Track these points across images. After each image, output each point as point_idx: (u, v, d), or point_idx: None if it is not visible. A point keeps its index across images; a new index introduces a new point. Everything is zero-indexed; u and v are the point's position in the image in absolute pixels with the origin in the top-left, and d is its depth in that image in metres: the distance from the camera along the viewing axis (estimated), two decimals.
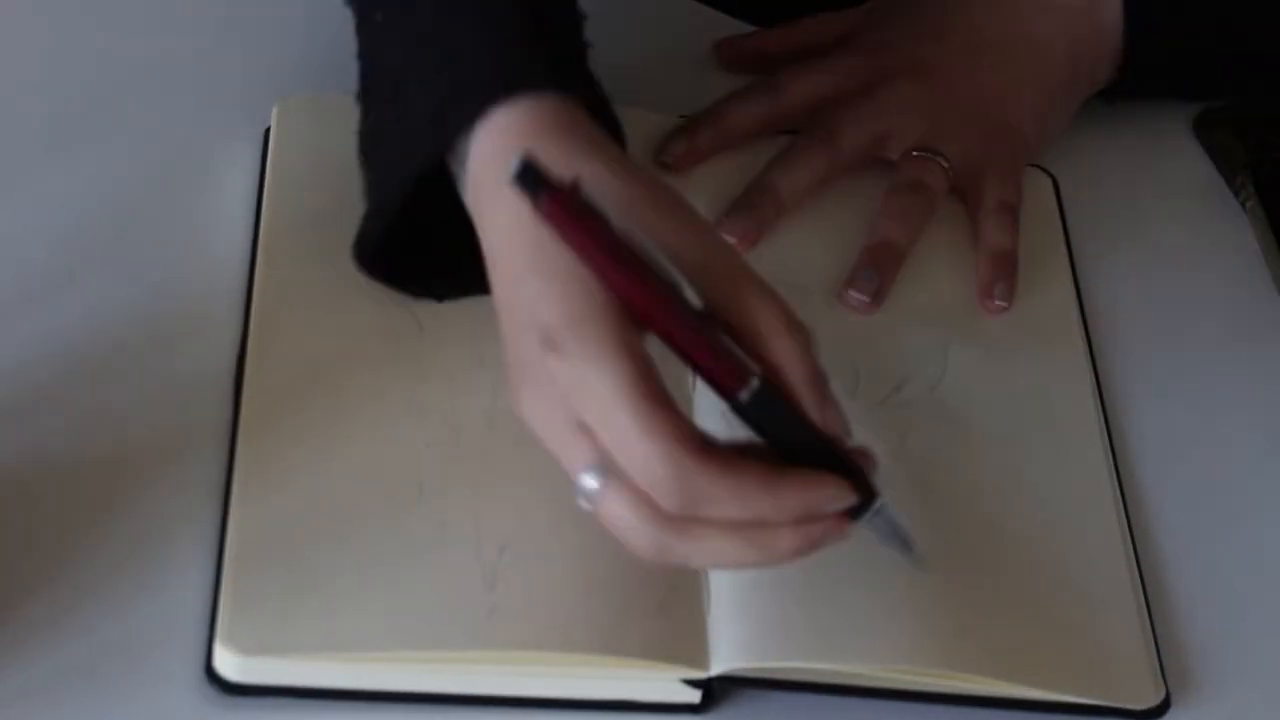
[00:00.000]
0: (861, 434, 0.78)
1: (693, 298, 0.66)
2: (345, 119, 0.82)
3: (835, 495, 0.66)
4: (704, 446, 0.64)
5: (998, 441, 0.82)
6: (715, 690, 0.72)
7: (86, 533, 0.73)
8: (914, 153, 0.90)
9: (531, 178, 0.62)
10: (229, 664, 0.70)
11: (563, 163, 0.66)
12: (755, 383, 0.65)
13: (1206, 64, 0.94)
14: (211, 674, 0.70)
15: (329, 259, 0.81)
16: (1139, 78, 0.93)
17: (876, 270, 0.86)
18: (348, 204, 0.80)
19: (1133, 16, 0.92)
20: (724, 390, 0.66)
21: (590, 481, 0.66)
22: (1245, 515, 0.83)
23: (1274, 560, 0.82)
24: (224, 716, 0.70)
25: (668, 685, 0.72)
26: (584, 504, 0.67)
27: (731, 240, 0.86)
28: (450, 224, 0.74)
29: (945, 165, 0.89)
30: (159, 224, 0.84)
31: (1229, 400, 0.87)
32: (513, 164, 0.61)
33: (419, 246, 0.78)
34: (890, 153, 0.90)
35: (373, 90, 0.78)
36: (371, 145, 0.77)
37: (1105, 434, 0.84)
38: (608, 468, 0.65)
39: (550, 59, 0.72)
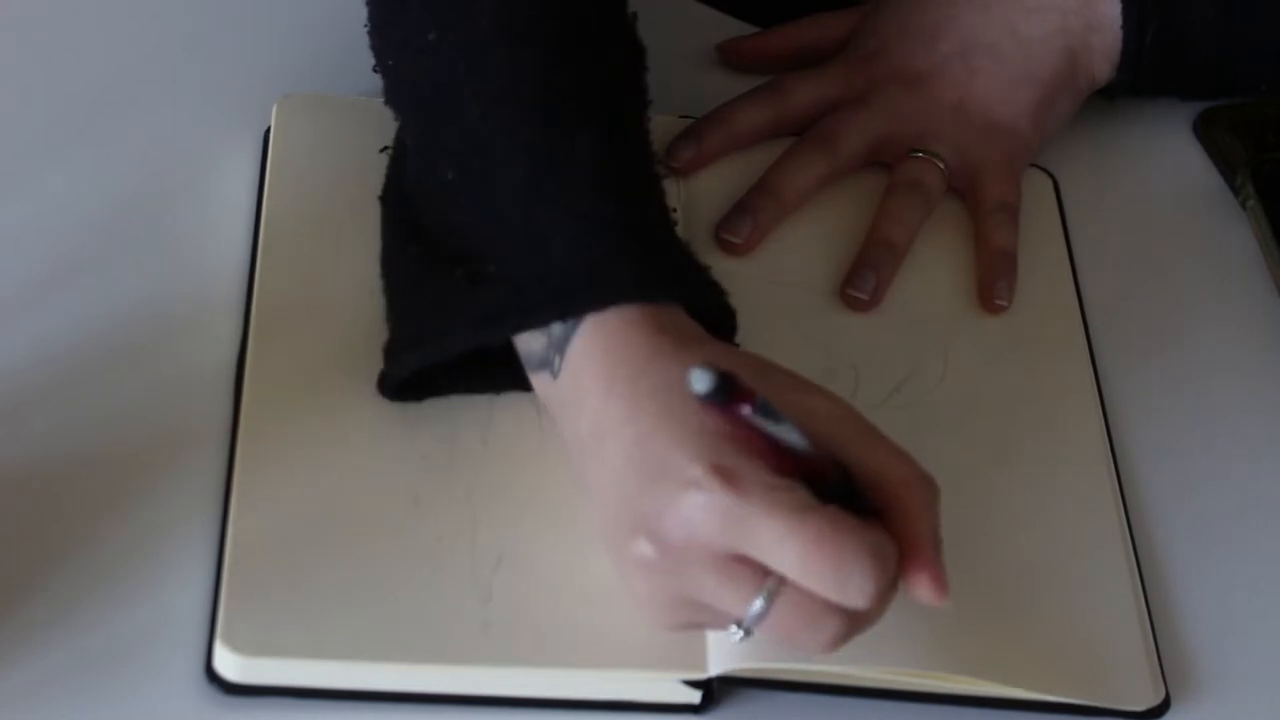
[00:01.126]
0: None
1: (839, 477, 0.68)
2: (345, 119, 0.83)
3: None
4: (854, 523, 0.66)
5: (997, 441, 0.82)
6: (715, 690, 0.72)
7: (86, 533, 0.73)
8: (911, 153, 0.90)
9: (723, 388, 0.62)
10: (229, 664, 0.70)
11: (676, 349, 0.69)
12: None
13: (1206, 63, 0.94)
14: (211, 674, 0.70)
15: (329, 259, 0.81)
16: (1138, 76, 0.93)
17: (874, 269, 0.86)
18: (348, 204, 0.80)
19: (1131, 14, 0.92)
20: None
21: (757, 607, 0.66)
22: (1245, 515, 0.83)
23: (1274, 560, 0.82)
24: (224, 716, 0.70)
25: (668, 686, 0.72)
26: (735, 634, 0.67)
27: (735, 241, 0.86)
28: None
29: (941, 165, 0.90)
30: (159, 224, 0.84)
31: (1229, 400, 0.87)
32: (704, 378, 0.61)
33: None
34: (888, 157, 0.91)
35: (424, 235, 0.76)
36: (414, 292, 0.76)
37: (1105, 434, 0.84)
38: (774, 590, 0.66)
39: (641, 260, 0.73)
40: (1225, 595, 0.80)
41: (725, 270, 0.83)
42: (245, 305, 0.80)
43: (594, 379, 0.70)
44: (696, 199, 0.88)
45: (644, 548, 0.67)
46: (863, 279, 0.86)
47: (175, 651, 0.71)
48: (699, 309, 0.74)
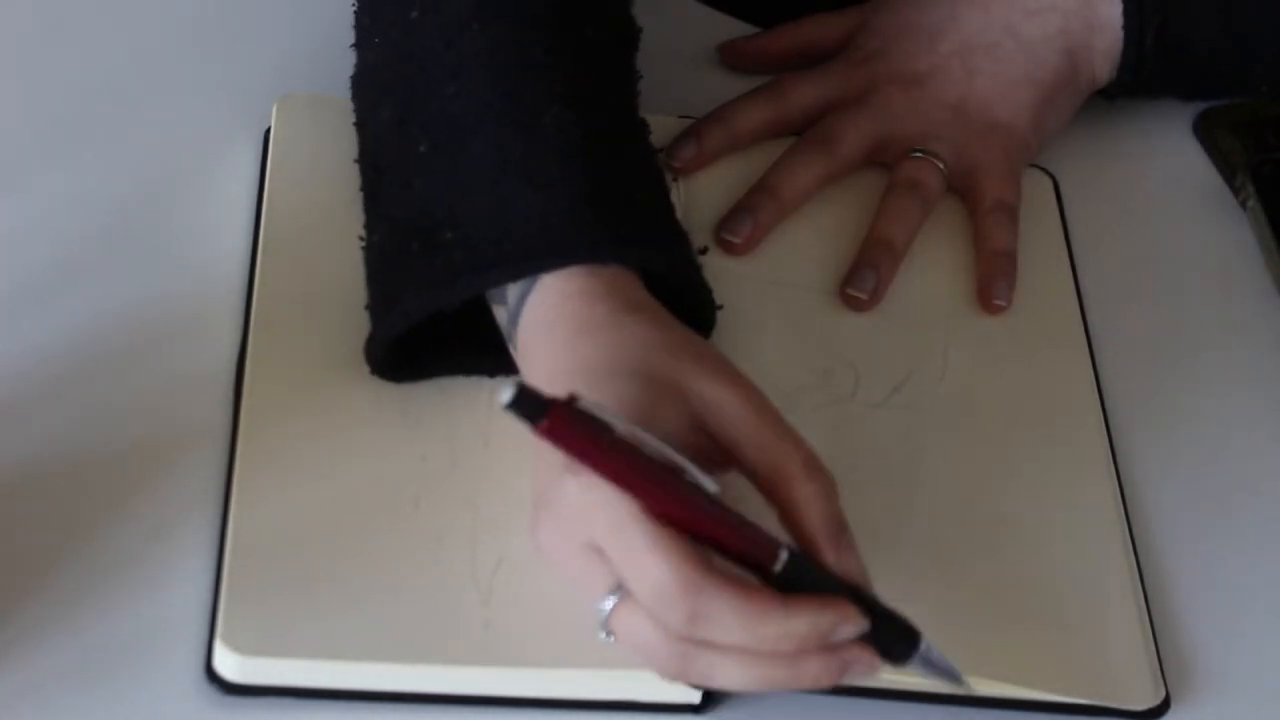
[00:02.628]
0: (862, 434, 0.78)
1: (705, 481, 0.67)
2: (345, 119, 0.82)
3: (844, 618, 0.66)
4: (711, 566, 0.65)
5: (997, 441, 0.82)
6: (715, 690, 0.72)
7: (86, 533, 0.73)
8: (911, 154, 0.90)
9: (528, 402, 0.63)
10: (229, 664, 0.70)
11: (609, 321, 0.70)
12: (785, 554, 0.66)
13: (1207, 64, 0.94)
14: (211, 674, 0.70)
15: (329, 259, 0.81)
16: (1139, 76, 0.94)
17: (874, 269, 0.86)
18: (348, 204, 0.80)
19: (1132, 14, 0.92)
20: (756, 566, 0.66)
21: (606, 604, 0.67)
22: (1245, 515, 0.83)
23: (1274, 560, 0.82)
24: (224, 716, 0.70)
25: (668, 686, 0.72)
26: (602, 635, 0.67)
27: (735, 241, 0.86)
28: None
29: (941, 165, 0.90)
30: (159, 224, 0.84)
31: (1229, 400, 0.87)
32: (506, 393, 0.62)
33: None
34: (888, 157, 0.91)
35: (393, 204, 0.77)
36: (387, 264, 0.77)
37: (1105, 434, 0.84)
38: (621, 590, 0.66)
39: (594, 226, 0.73)
40: (1225, 595, 0.80)
41: (725, 270, 0.84)
42: (245, 305, 0.80)
43: (538, 352, 0.72)
44: (696, 199, 0.88)
45: (536, 525, 0.69)
46: (862, 279, 0.86)
47: (175, 651, 0.71)
48: (675, 284, 0.75)
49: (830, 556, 0.67)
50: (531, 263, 0.72)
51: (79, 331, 0.79)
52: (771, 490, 0.69)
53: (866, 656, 0.67)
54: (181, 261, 0.83)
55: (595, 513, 0.66)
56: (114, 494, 0.75)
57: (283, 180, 0.84)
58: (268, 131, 0.87)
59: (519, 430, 0.76)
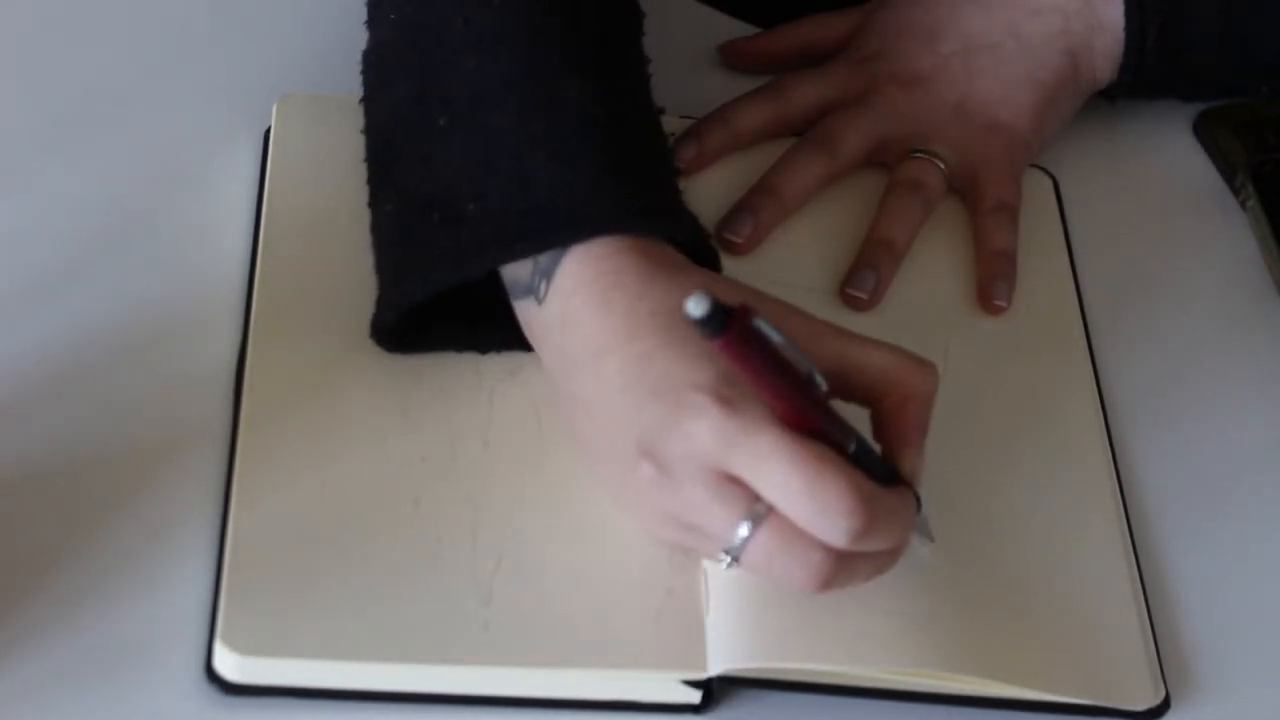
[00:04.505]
0: (862, 434, 0.78)
1: (820, 380, 0.69)
2: (345, 119, 0.83)
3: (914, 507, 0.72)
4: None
5: (997, 441, 0.82)
6: (715, 690, 0.72)
7: (86, 533, 0.73)
8: (911, 154, 0.90)
9: (717, 315, 0.63)
10: (229, 664, 0.70)
11: (667, 271, 0.72)
12: (854, 441, 0.69)
13: (1208, 65, 0.94)
14: (211, 674, 0.70)
15: (329, 259, 0.81)
16: (1140, 77, 0.94)
17: (874, 269, 0.86)
18: (348, 204, 0.80)
19: (1133, 15, 0.92)
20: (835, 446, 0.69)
21: (743, 530, 0.68)
22: (1245, 515, 0.83)
23: (1274, 560, 0.82)
24: (224, 716, 0.70)
25: (668, 685, 0.72)
26: (723, 560, 0.69)
27: (735, 240, 0.87)
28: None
29: (942, 166, 0.90)
30: (159, 224, 0.84)
31: (1229, 400, 0.87)
32: (698, 305, 0.62)
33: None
34: (888, 157, 0.91)
35: (409, 177, 0.78)
36: (404, 233, 0.77)
37: (1105, 434, 0.84)
38: (760, 515, 0.68)
39: (621, 197, 0.75)
40: (1225, 595, 0.80)
41: (725, 270, 0.84)
42: (245, 305, 0.80)
43: (587, 300, 0.72)
44: (697, 199, 0.88)
45: (643, 460, 0.69)
46: (862, 278, 0.86)
47: (175, 651, 0.71)
48: (684, 248, 0.76)
49: (914, 455, 0.71)
50: (562, 233, 0.73)
51: (79, 331, 0.79)
52: (884, 382, 0.72)
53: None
54: (181, 261, 0.83)
55: (743, 438, 0.67)
56: (114, 494, 0.75)
57: (283, 180, 0.84)
58: (268, 131, 0.87)
59: (519, 431, 0.77)
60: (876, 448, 0.73)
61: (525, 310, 0.76)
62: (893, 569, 0.71)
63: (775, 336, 0.66)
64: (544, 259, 0.73)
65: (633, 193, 0.75)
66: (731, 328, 0.63)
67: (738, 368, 0.66)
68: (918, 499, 0.72)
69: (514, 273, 0.75)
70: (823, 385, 0.69)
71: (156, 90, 0.90)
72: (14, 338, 0.78)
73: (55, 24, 0.92)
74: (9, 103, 0.88)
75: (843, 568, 0.69)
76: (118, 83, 0.89)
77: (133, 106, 0.89)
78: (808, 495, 0.66)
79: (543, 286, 0.74)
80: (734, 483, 0.68)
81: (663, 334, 0.70)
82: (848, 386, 0.73)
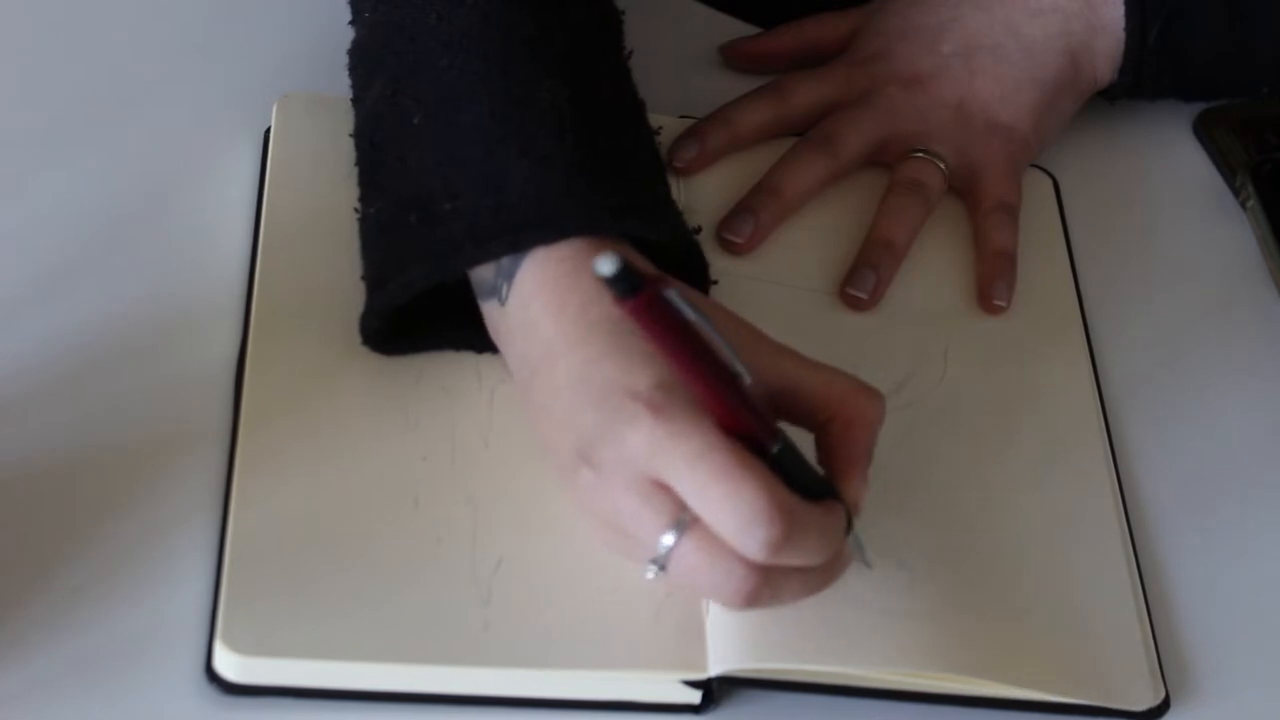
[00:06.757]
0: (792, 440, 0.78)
1: (742, 371, 0.68)
2: (345, 119, 0.83)
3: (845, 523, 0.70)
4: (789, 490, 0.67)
5: (997, 441, 0.82)
6: (715, 690, 0.72)
7: (86, 533, 0.73)
8: (911, 154, 0.90)
9: (626, 277, 0.63)
10: (229, 664, 0.70)
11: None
12: (780, 441, 0.68)
13: (1208, 66, 0.94)
14: (211, 674, 0.70)
15: (329, 259, 0.81)
16: (1140, 78, 0.94)
17: (874, 269, 0.86)
18: (348, 204, 0.80)
19: (1134, 16, 0.92)
20: (757, 447, 0.68)
21: (666, 539, 0.67)
22: (1245, 515, 0.83)
23: (1274, 560, 0.82)
24: (224, 716, 0.70)
25: (668, 686, 0.72)
26: (650, 572, 0.68)
27: (736, 241, 0.87)
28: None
29: (942, 166, 0.90)
30: (159, 224, 0.84)
31: (1229, 400, 0.87)
32: (607, 264, 0.62)
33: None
34: (889, 157, 0.91)
35: (390, 177, 0.78)
36: (385, 234, 0.77)
37: (1105, 434, 0.84)
38: (685, 524, 0.67)
39: (591, 197, 0.74)
40: (1225, 595, 0.80)
41: (726, 270, 0.84)
42: (245, 305, 0.80)
43: (544, 306, 0.72)
44: (697, 199, 0.88)
45: (582, 465, 0.69)
46: (862, 278, 0.86)
47: (175, 651, 0.71)
48: (671, 253, 0.76)
49: (856, 482, 0.70)
50: (529, 233, 0.73)
51: (79, 331, 0.79)
52: (827, 404, 0.71)
53: (846, 549, 0.70)
54: (181, 261, 0.83)
55: (670, 445, 0.66)
56: (114, 494, 0.75)
57: (283, 180, 0.84)
58: (268, 131, 0.87)
59: (519, 431, 0.77)
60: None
61: (490, 312, 0.76)
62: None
63: (689, 313, 0.65)
64: (505, 260, 0.73)
65: (605, 191, 0.75)
66: (641, 295, 0.63)
67: (645, 335, 0.65)
68: (850, 521, 0.70)
69: (480, 274, 0.75)
70: (745, 377, 0.68)
71: (156, 90, 0.89)
72: (14, 338, 0.78)
73: (55, 24, 0.92)
74: (9, 103, 0.88)
75: (767, 582, 0.67)
76: (117, 83, 0.89)
77: (132, 107, 0.88)
78: (725, 503, 0.66)
79: (504, 288, 0.74)
80: (664, 490, 0.67)
81: (610, 339, 0.70)
82: (791, 406, 0.72)
